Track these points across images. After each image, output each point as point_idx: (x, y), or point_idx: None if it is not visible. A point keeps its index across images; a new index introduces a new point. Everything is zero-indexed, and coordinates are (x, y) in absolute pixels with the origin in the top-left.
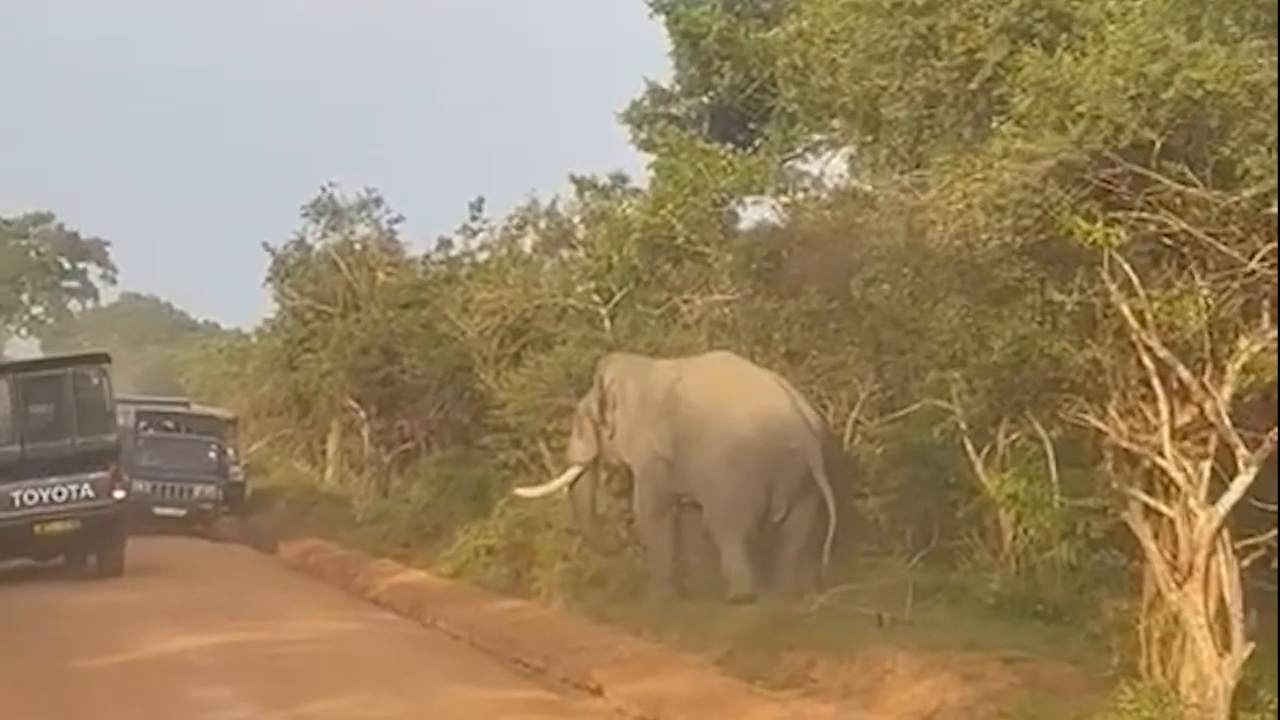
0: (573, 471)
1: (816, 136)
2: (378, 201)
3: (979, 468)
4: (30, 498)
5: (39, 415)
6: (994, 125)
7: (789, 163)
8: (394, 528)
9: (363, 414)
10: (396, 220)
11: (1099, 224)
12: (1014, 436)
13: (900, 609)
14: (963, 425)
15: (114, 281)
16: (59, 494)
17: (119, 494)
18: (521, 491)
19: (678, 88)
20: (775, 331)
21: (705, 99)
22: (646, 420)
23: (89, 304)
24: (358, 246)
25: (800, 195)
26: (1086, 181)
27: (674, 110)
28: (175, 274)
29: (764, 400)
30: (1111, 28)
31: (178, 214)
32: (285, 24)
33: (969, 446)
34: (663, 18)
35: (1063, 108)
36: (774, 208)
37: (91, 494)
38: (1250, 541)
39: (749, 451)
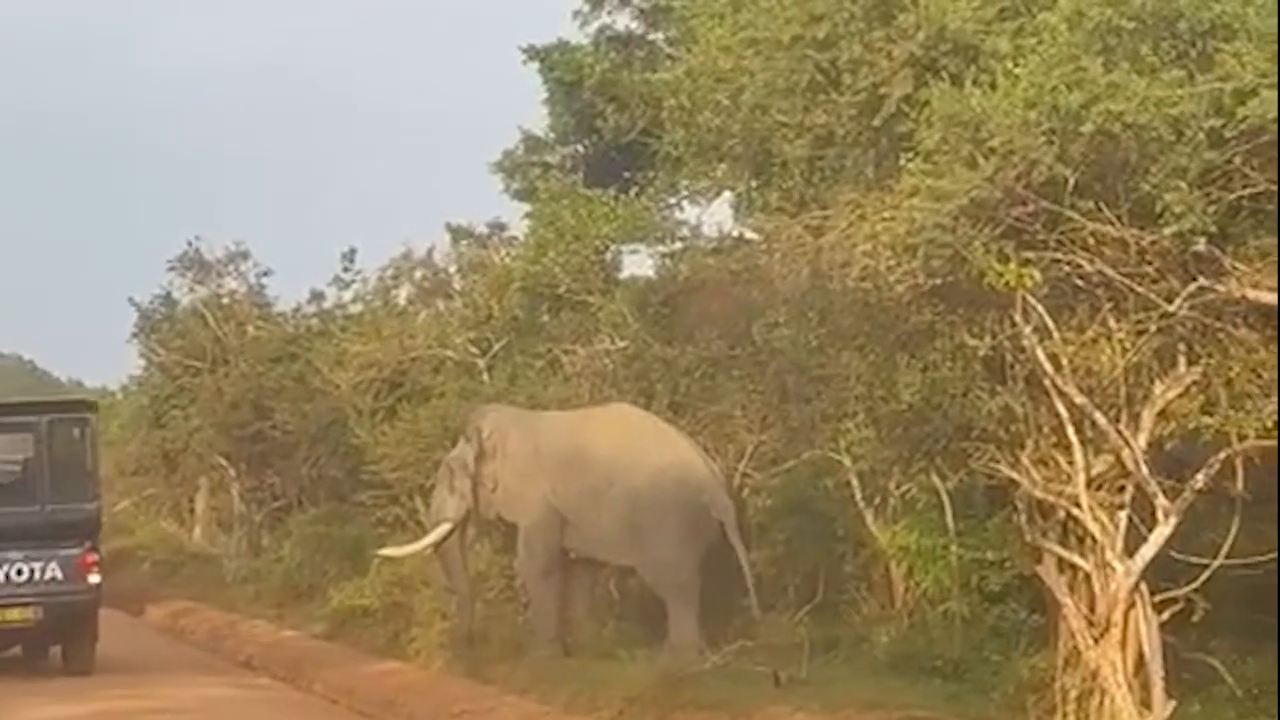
0: (444, 528)
1: (703, 182)
2: (245, 255)
3: (869, 520)
4: None
5: (1, 473)
6: (899, 163)
7: (668, 210)
8: (266, 588)
9: (232, 471)
10: (265, 273)
11: (1012, 264)
12: (904, 488)
13: (796, 667)
14: (853, 477)
15: None
16: (19, 573)
17: (94, 578)
18: (387, 551)
19: (552, 135)
20: (660, 382)
21: (581, 146)
22: (541, 473)
23: None
24: (226, 300)
25: (679, 245)
26: (999, 220)
27: (549, 158)
28: (37, 332)
29: (677, 454)
30: (1020, 61)
31: (39, 271)
32: (147, 75)
33: (859, 498)
34: (536, 65)
35: (973, 143)
36: (652, 256)
37: (60, 576)
38: (1170, 595)
39: (672, 507)
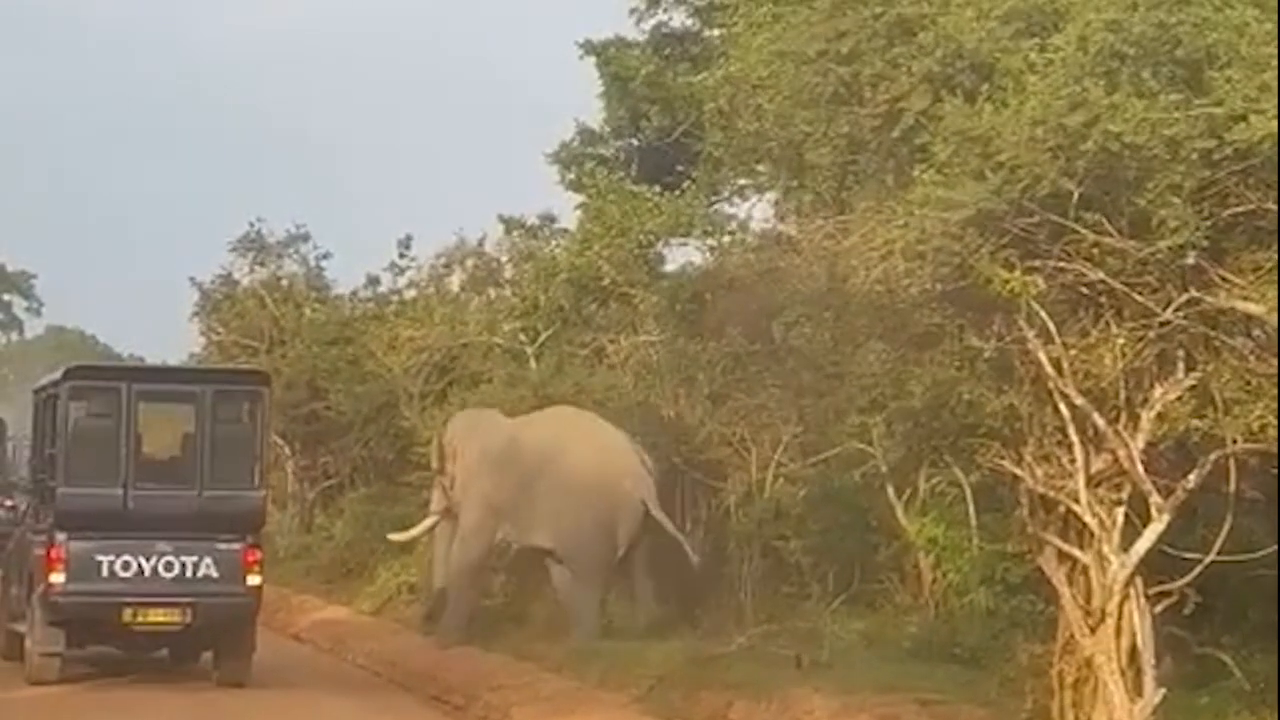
0: (428, 521)
1: (743, 181)
2: (305, 237)
3: (899, 511)
4: (125, 568)
5: (156, 449)
6: (916, 173)
7: (715, 206)
8: (316, 564)
9: (287, 450)
10: (324, 256)
11: (1017, 272)
12: (934, 481)
13: (819, 651)
14: (884, 469)
15: (39, 314)
16: (167, 568)
17: (254, 580)
18: (393, 536)
19: (607, 129)
20: (699, 373)
21: (634, 141)
22: (483, 472)
23: (14, 336)
24: (284, 282)
25: (726, 239)
26: (1005, 230)
27: (603, 151)
28: (101, 307)
29: (599, 443)
30: (1032, 79)
31: (104, 247)
32: (210, 63)
33: (890, 490)
34: (594, 59)
35: (983, 157)
36: (699, 250)
37: (215, 574)
38: (1163, 588)
39: (591, 493)
